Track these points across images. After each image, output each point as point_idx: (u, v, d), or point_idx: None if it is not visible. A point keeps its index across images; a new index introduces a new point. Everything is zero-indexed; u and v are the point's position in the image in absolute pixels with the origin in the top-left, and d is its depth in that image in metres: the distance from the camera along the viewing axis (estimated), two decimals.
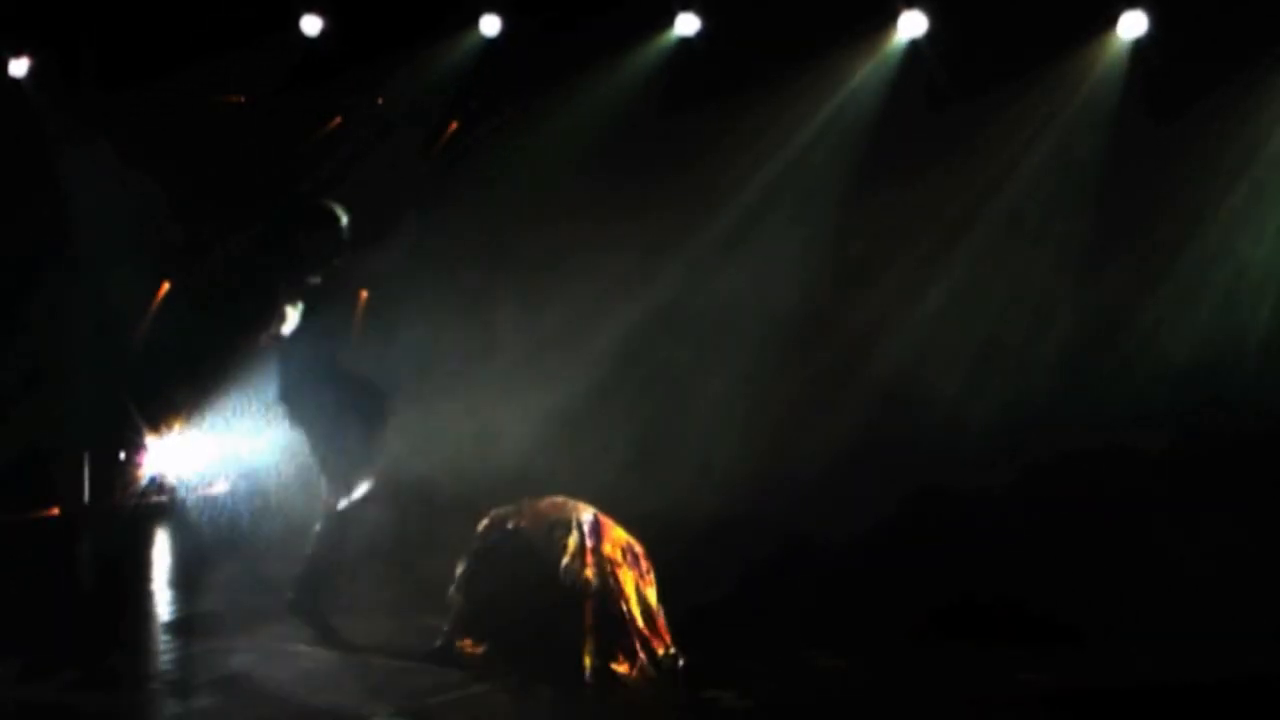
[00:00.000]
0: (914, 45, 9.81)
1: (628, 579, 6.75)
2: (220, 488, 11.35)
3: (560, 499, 6.97)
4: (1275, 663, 6.84)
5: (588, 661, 6.54)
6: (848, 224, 9.99)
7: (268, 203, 10.65)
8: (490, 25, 10.48)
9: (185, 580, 9.33)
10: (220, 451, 11.20)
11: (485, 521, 7.03)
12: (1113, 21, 9.50)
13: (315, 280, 7.27)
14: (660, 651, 6.69)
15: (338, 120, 11.26)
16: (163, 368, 11.33)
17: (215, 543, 9.90)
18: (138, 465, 11.63)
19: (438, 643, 6.94)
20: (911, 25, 9.76)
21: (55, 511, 11.26)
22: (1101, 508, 8.90)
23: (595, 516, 6.85)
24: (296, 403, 7.36)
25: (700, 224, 10.26)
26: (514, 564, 6.82)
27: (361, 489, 7.34)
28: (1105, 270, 9.71)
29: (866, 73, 9.98)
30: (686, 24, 10.14)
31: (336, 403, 7.25)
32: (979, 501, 8.98)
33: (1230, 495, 8.65)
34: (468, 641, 6.88)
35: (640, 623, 6.68)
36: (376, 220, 7.90)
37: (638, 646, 6.61)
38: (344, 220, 7.29)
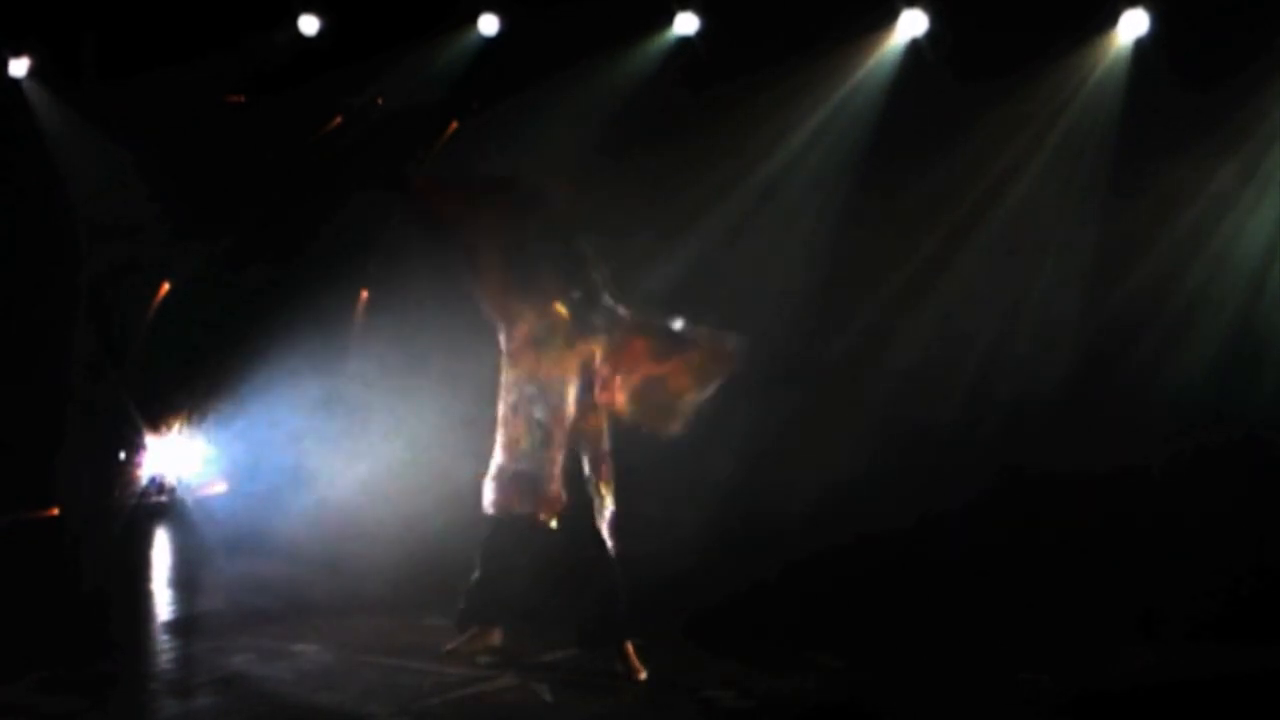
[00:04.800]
0: (914, 45, 9.79)
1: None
2: (220, 488, 11.35)
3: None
4: (1274, 662, 6.84)
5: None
6: (846, 225, 9.96)
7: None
8: (488, 24, 10.48)
9: (185, 580, 9.33)
10: (220, 451, 11.21)
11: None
12: (1114, 20, 9.48)
13: None
14: None
15: (338, 119, 11.24)
16: (163, 368, 11.32)
17: (215, 543, 9.90)
18: (138, 465, 11.62)
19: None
20: (911, 25, 9.74)
21: (55, 511, 11.25)
22: (1100, 518, 8.89)
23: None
24: None
25: (698, 223, 10.23)
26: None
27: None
28: (1110, 272, 9.67)
29: (866, 72, 9.96)
30: (685, 23, 10.12)
31: None
32: (980, 507, 8.98)
33: (1235, 504, 8.64)
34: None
35: None
36: None
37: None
38: None
